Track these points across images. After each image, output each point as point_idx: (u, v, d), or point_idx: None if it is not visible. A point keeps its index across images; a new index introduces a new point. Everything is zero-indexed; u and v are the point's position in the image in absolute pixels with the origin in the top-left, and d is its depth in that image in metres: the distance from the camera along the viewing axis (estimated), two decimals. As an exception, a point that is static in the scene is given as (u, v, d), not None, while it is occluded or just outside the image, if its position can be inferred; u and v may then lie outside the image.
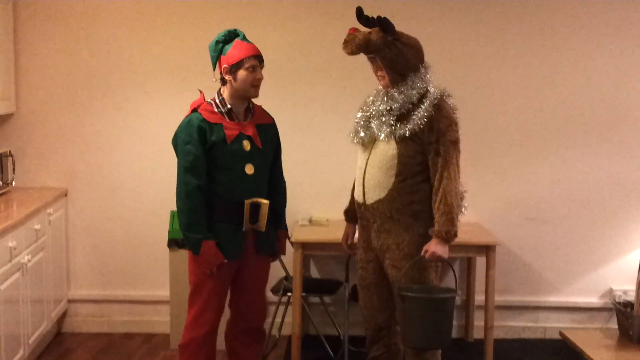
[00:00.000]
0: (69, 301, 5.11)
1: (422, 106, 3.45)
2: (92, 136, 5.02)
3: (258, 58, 3.49)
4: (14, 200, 4.58)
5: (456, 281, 3.61)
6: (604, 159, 5.02)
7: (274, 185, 3.67)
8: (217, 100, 3.52)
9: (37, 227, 4.41)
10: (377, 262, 3.65)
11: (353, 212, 3.79)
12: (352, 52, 3.49)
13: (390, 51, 3.46)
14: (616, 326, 4.12)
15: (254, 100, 3.63)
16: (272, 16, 4.95)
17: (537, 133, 5.02)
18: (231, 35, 3.52)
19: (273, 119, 3.69)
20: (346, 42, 3.49)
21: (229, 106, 3.50)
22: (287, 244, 3.85)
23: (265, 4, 4.94)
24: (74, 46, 4.95)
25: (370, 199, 3.55)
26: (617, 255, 5.08)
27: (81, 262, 5.11)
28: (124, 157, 5.04)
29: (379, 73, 3.56)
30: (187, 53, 4.91)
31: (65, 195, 5.02)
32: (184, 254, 4.63)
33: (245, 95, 3.51)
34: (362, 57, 4.95)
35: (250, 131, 3.52)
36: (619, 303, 4.16)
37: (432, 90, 3.52)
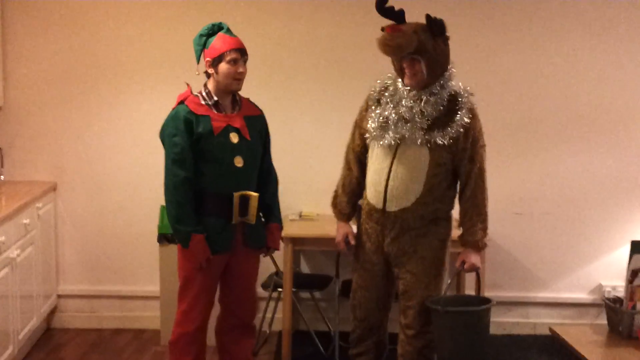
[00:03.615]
0: (59, 296, 5.09)
1: (460, 113, 3.35)
2: (81, 130, 4.99)
3: (240, 51, 3.45)
4: (2, 194, 4.55)
5: (478, 287, 3.61)
6: (593, 155, 5.03)
7: (264, 177, 3.65)
8: (204, 93, 3.49)
9: (26, 221, 4.38)
10: (384, 265, 3.58)
11: (349, 211, 3.71)
12: (402, 55, 3.30)
13: (435, 52, 3.32)
14: (605, 322, 4.12)
15: (241, 93, 3.61)
16: (264, 11, 4.93)
17: (526, 129, 5.03)
18: (215, 29, 3.48)
19: (261, 110, 3.67)
20: (390, 45, 3.26)
21: (215, 98, 3.48)
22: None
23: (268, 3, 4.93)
24: (62, 40, 4.92)
25: (393, 207, 3.43)
26: (606, 251, 5.10)
27: (70, 257, 5.09)
28: (113, 152, 5.01)
29: (413, 71, 3.33)
30: (176, 47, 4.88)
31: (55, 189, 5.00)
32: (174, 249, 4.60)
33: (228, 88, 3.47)
34: (354, 54, 4.98)
35: (238, 123, 3.49)
36: (609, 299, 4.15)
37: (461, 92, 3.41)
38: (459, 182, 3.51)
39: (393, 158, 3.41)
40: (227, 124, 3.46)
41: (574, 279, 5.13)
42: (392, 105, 3.42)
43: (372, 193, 3.51)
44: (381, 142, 3.42)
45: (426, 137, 3.34)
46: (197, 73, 3.54)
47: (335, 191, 3.78)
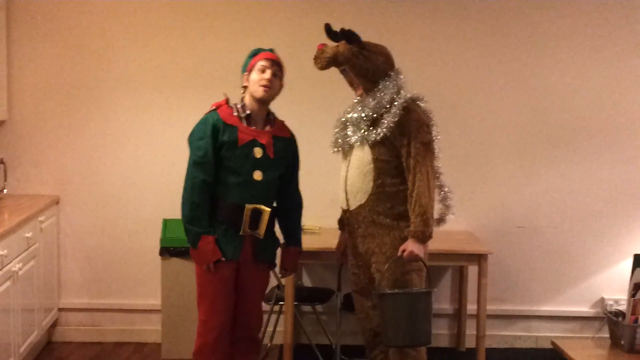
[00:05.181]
0: (60, 310, 5.09)
1: (392, 110, 3.52)
2: (84, 144, 5.01)
3: (270, 61, 3.57)
4: (5, 207, 4.55)
5: (429, 280, 3.66)
6: (596, 168, 5.04)
7: (289, 200, 3.76)
8: (239, 106, 3.59)
9: (29, 235, 4.39)
10: (366, 266, 3.70)
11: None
12: (323, 67, 3.64)
13: (359, 60, 3.55)
14: (608, 335, 4.11)
15: (278, 115, 3.72)
16: (271, 19, 4.95)
17: (529, 142, 5.04)
18: (260, 50, 3.64)
19: (292, 134, 3.77)
20: (316, 58, 3.63)
21: (248, 112, 3.57)
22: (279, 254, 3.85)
23: (266, 10, 4.95)
24: (67, 53, 4.94)
25: (353, 205, 3.63)
26: (608, 264, 5.09)
27: (72, 271, 5.09)
28: (116, 165, 5.02)
29: (349, 81, 3.69)
30: (181, 61, 4.91)
31: (57, 203, 5.00)
32: (176, 263, 4.64)
33: (255, 96, 3.56)
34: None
35: (264, 140, 3.57)
36: (611, 312, 4.15)
37: (402, 94, 3.58)
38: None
39: (348, 162, 3.66)
40: (253, 138, 3.54)
41: (576, 293, 5.12)
42: (343, 118, 3.72)
43: (340, 196, 3.74)
44: (335, 150, 3.75)
45: (364, 135, 3.58)
46: (240, 92, 3.62)
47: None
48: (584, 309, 5.13)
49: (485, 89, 4.99)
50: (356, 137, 3.61)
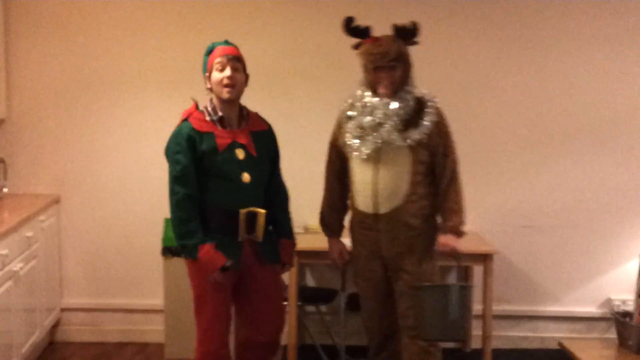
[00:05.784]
0: (62, 310, 5.06)
1: (428, 111, 3.53)
2: (84, 142, 4.98)
3: (226, 57, 3.38)
4: (5, 207, 4.53)
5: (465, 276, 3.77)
6: (602, 168, 5.00)
7: (274, 193, 3.59)
8: (209, 109, 3.45)
9: (29, 234, 4.36)
10: (382, 271, 3.66)
11: (338, 227, 3.83)
12: (384, 64, 3.48)
13: (408, 60, 3.55)
14: (615, 336, 4.08)
15: (250, 107, 3.57)
16: (271, 21, 4.93)
17: (535, 141, 5.00)
18: (214, 46, 3.46)
19: (269, 125, 3.61)
20: (384, 53, 3.46)
21: (220, 114, 3.43)
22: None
23: (264, 9, 4.92)
24: (66, 51, 4.92)
25: (384, 208, 3.56)
26: (615, 264, 5.06)
27: (74, 270, 5.07)
28: (117, 164, 5.00)
29: (390, 79, 3.51)
30: (181, 59, 4.88)
31: (58, 202, 4.98)
32: (178, 262, 4.60)
33: (220, 97, 3.41)
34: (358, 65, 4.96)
35: (243, 139, 3.44)
36: (618, 313, 4.12)
37: (425, 93, 3.59)
38: (437, 177, 3.64)
39: (377, 162, 3.54)
40: (232, 140, 3.40)
41: (583, 293, 5.09)
42: (366, 115, 3.55)
43: (362, 201, 3.62)
44: (363, 151, 3.55)
45: (404, 136, 3.50)
46: (206, 93, 3.50)
47: (321, 212, 3.88)
48: (591, 309, 5.10)
49: (490, 91, 4.95)
50: (396, 138, 3.50)
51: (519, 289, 5.09)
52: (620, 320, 3.98)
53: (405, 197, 3.54)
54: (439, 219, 3.66)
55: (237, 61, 3.40)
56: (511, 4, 4.92)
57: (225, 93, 3.38)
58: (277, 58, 4.92)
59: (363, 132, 3.54)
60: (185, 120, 3.43)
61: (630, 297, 4.73)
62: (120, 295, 5.09)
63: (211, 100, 3.47)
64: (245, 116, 3.52)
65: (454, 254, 3.57)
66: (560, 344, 4.14)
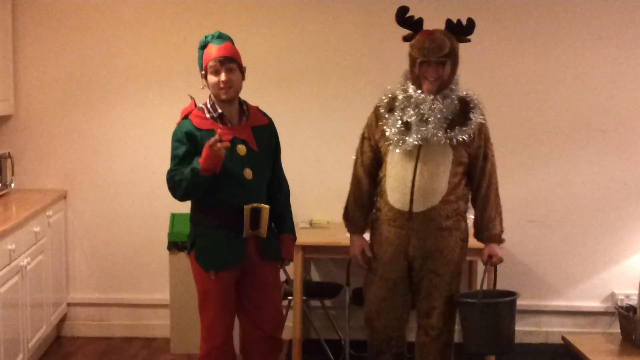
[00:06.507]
0: (69, 305, 5.09)
1: (475, 111, 3.48)
2: (91, 138, 5.00)
3: (218, 60, 3.33)
4: (12, 202, 4.56)
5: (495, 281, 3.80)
6: (606, 162, 5.00)
7: (275, 187, 3.57)
8: (208, 105, 3.43)
9: (37, 229, 4.39)
10: (406, 271, 3.60)
11: (363, 224, 3.73)
12: (438, 57, 3.41)
13: (457, 58, 3.51)
14: (619, 330, 4.10)
15: (255, 102, 3.57)
16: (272, 17, 4.93)
17: (539, 136, 5.00)
18: (207, 40, 3.41)
19: (270, 119, 3.58)
20: (437, 47, 3.40)
21: (220, 111, 3.40)
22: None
23: (266, 4, 4.92)
24: (73, 47, 4.94)
25: (420, 207, 3.48)
26: (619, 259, 5.06)
27: (81, 265, 5.09)
28: (123, 160, 5.02)
29: (437, 75, 3.44)
30: (186, 56, 4.88)
31: (65, 197, 5.00)
32: (184, 257, 4.63)
33: (218, 98, 3.39)
34: (363, 61, 4.98)
35: (244, 135, 3.41)
36: (622, 307, 4.14)
37: (469, 93, 3.54)
38: (473, 181, 3.61)
39: (417, 160, 3.46)
40: (233, 137, 3.37)
41: (586, 287, 5.09)
42: (410, 110, 3.46)
43: (396, 197, 3.52)
44: (403, 146, 3.46)
45: (448, 136, 3.44)
46: (201, 87, 3.48)
47: (346, 206, 3.79)
48: (595, 303, 5.10)
49: (494, 85, 4.94)
50: (441, 136, 3.43)
51: (522, 283, 5.06)
52: (624, 314, 4.00)
53: (442, 198, 3.47)
54: (469, 219, 3.65)
55: (230, 62, 3.36)
56: (514, 1, 4.92)
57: (222, 95, 3.36)
58: (280, 52, 4.93)
59: (404, 128, 3.46)
60: (185, 117, 3.43)
61: (634, 291, 4.73)
62: (126, 290, 5.11)
63: (210, 96, 3.45)
64: (246, 111, 3.50)
65: (498, 263, 3.60)
66: (564, 339, 4.15)
